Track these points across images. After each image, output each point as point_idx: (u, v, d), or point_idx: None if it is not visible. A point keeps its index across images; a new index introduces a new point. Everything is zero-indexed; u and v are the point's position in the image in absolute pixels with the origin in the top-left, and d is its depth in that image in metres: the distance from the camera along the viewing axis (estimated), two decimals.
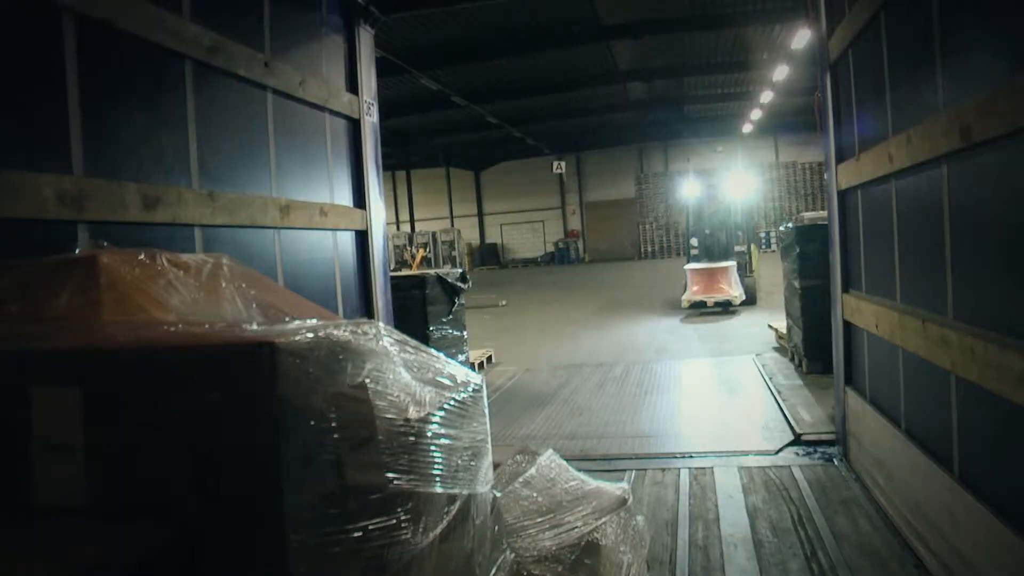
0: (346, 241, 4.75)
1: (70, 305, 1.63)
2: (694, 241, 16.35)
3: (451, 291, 8.45)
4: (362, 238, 4.95)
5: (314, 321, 1.66)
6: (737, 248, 15.78)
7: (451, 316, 8.46)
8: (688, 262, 15.69)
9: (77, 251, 1.87)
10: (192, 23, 3.27)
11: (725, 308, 14.23)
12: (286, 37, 4.14)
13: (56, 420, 1.39)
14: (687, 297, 14.30)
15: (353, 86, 4.96)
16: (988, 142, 2.44)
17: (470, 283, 9.03)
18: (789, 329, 8.79)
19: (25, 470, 1.41)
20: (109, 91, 2.84)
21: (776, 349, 9.60)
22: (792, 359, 8.51)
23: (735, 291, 14.15)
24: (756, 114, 29.87)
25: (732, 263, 14.66)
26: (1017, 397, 2.32)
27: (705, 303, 14.12)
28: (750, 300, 14.82)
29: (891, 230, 3.69)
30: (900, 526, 3.66)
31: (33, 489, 1.41)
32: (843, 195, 4.71)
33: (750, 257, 15.69)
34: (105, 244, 1.87)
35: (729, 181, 16.98)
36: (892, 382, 3.83)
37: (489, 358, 10.14)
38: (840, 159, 4.69)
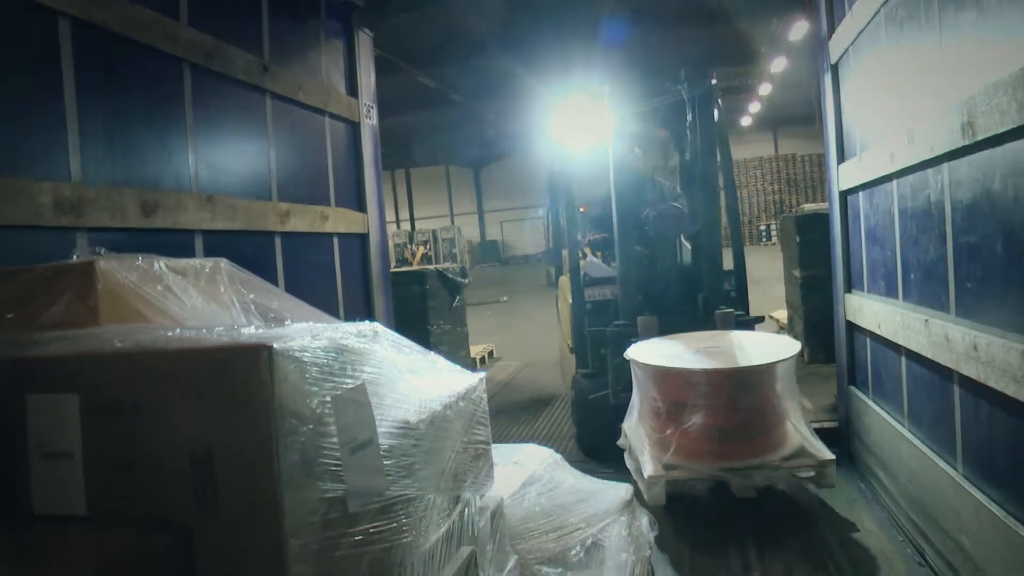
0: (346, 244, 4.74)
1: (67, 312, 1.63)
2: (591, 262, 5.93)
3: (451, 286, 8.44)
4: (362, 241, 4.95)
5: (312, 324, 1.66)
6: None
7: (452, 311, 8.45)
8: (575, 320, 5.57)
9: (75, 257, 1.87)
10: (190, 27, 3.27)
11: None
12: (285, 41, 4.13)
13: (54, 427, 1.39)
14: (656, 471, 3.76)
15: (352, 89, 4.95)
16: (991, 139, 2.43)
17: (470, 278, 9.02)
18: (790, 319, 8.80)
19: (24, 478, 1.41)
20: (107, 96, 2.84)
21: None
22: None
23: (817, 443, 3.93)
24: (755, 107, 29.96)
25: (791, 349, 4.12)
26: (1019, 394, 2.31)
27: (729, 486, 3.90)
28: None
29: (892, 229, 3.68)
30: (904, 524, 3.65)
31: (32, 497, 1.41)
32: (844, 195, 4.70)
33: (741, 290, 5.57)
34: (102, 251, 1.86)
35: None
36: (895, 381, 3.82)
37: (491, 353, 10.14)
38: (841, 159, 4.68)
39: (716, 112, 5.22)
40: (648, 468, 3.79)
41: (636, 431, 4.17)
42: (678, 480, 3.87)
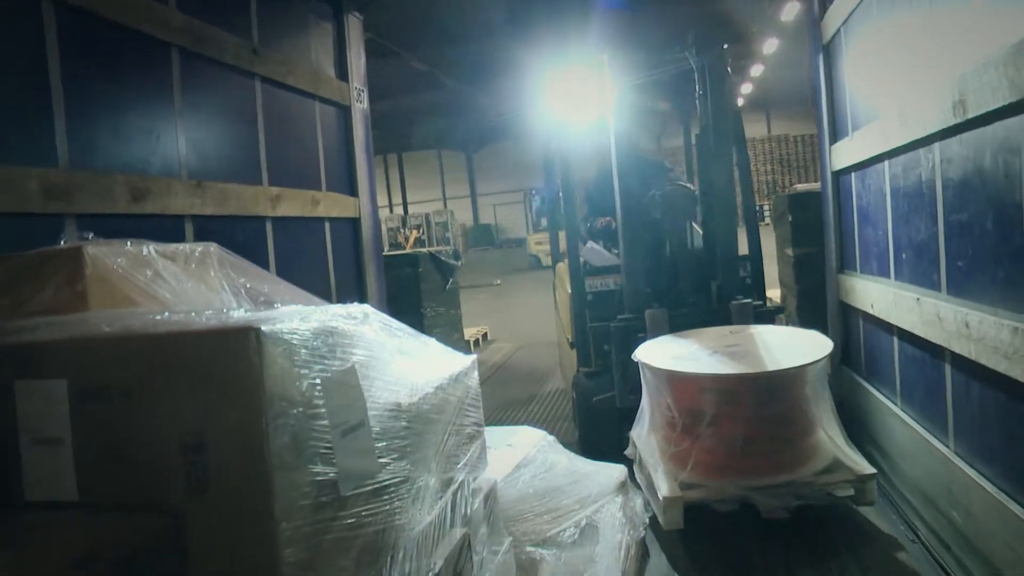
0: (338, 229, 4.73)
1: (56, 297, 1.62)
2: (592, 249, 5.49)
3: (444, 269, 8.44)
4: (355, 225, 4.93)
5: (301, 307, 1.65)
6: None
7: (445, 294, 8.45)
8: (575, 313, 5.06)
9: (63, 243, 1.85)
10: (178, 11, 3.24)
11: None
12: (274, 24, 4.10)
13: (43, 413, 1.38)
14: (673, 491, 3.34)
15: (343, 73, 4.92)
16: (982, 116, 2.43)
17: (463, 260, 9.06)
18: (783, 298, 8.81)
19: (14, 464, 1.40)
20: (94, 81, 2.81)
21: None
22: None
23: (854, 454, 3.54)
24: (747, 88, 29.96)
25: (823, 347, 3.68)
26: (1010, 370, 2.32)
27: (756, 509, 3.37)
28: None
29: (884, 209, 3.68)
30: (898, 504, 3.67)
31: (23, 483, 1.40)
32: (837, 176, 4.70)
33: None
34: (91, 236, 1.85)
35: None
36: (888, 360, 3.83)
37: (485, 335, 10.19)
38: (834, 140, 4.67)
39: (728, 83, 4.72)
40: (663, 488, 3.36)
41: (647, 442, 3.72)
42: (680, 506, 3.31)
